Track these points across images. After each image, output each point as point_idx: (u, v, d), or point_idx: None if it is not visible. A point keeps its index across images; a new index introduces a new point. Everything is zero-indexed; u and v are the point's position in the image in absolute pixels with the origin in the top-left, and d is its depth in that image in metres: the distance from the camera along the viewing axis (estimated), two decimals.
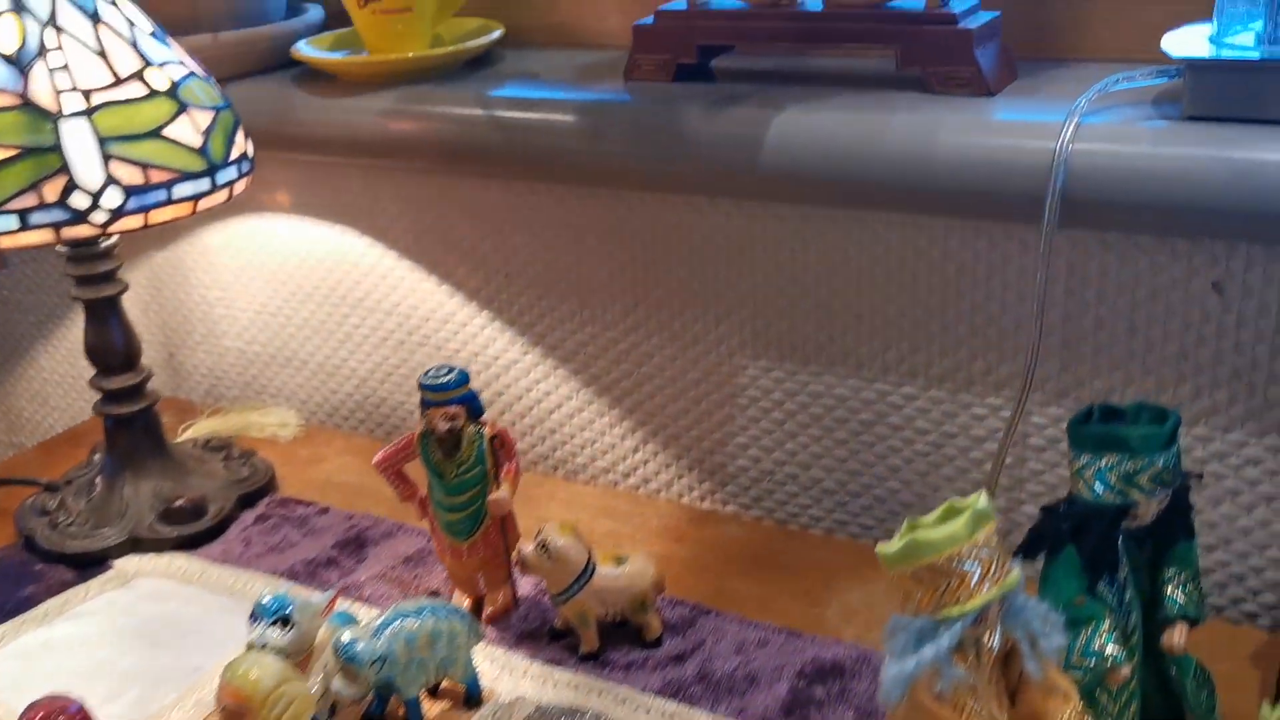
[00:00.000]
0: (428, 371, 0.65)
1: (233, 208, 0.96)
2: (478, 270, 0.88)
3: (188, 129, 0.72)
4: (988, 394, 0.72)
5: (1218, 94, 0.60)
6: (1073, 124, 0.62)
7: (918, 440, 0.76)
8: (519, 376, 0.89)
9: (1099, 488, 0.49)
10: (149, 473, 0.82)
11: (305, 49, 0.88)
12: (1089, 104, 0.63)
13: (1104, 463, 0.49)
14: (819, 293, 0.76)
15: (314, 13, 0.95)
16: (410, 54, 0.85)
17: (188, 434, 0.94)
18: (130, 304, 1.07)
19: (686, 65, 0.78)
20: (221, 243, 0.99)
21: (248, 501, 0.84)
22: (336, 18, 0.93)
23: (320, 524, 0.81)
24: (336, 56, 0.87)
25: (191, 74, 0.74)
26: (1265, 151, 0.58)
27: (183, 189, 0.71)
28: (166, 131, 0.71)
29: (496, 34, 0.89)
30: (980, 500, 0.44)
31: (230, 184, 0.74)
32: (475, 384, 0.92)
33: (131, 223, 0.69)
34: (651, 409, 0.85)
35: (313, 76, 0.88)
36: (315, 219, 0.94)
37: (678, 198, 0.78)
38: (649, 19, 0.79)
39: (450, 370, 0.65)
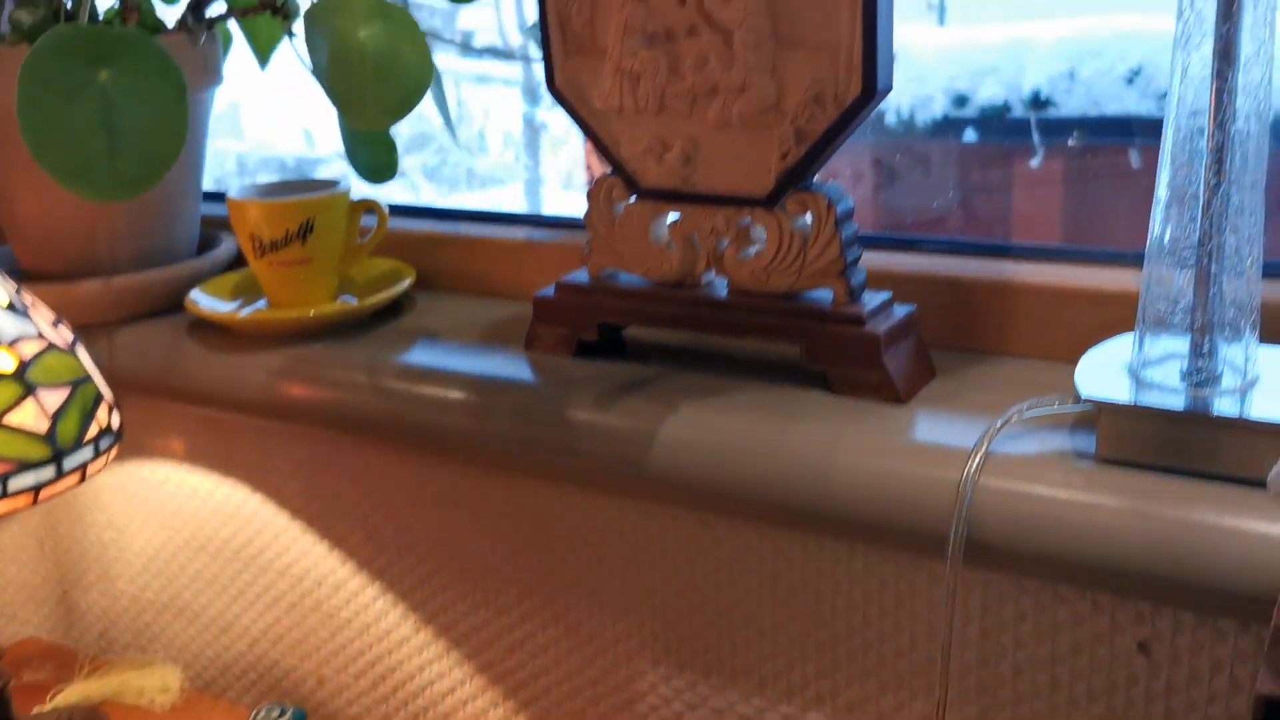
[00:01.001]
0: (257, 712, 0.58)
1: (126, 450, 0.90)
2: (370, 540, 0.82)
3: (33, 414, 0.66)
4: None
5: (1135, 441, 0.54)
6: (980, 455, 0.56)
7: None
8: (411, 655, 0.82)
9: None
10: None
11: (199, 299, 0.83)
12: (1002, 430, 0.57)
13: None
14: (719, 601, 0.69)
15: (226, 247, 0.91)
16: (310, 313, 0.80)
17: (57, 700, 0.88)
18: (25, 537, 1.02)
19: (589, 341, 0.72)
20: (116, 484, 0.93)
21: None
22: None
23: None
24: (227, 310, 0.82)
25: (50, 347, 0.69)
26: (1186, 509, 0.51)
27: (21, 480, 0.65)
28: (7, 419, 0.65)
29: (405, 284, 0.84)
30: None
31: (83, 466, 0.68)
32: (366, 659, 0.85)
33: None
34: (547, 705, 0.77)
35: (209, 323, 0.83)
36: (208, 470, 0.88)
37: (571, 487, 0.72)
38: (550, 290, 0.74)
39: (283, 712, 0.58)
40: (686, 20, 0.64)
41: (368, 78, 0.65)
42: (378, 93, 0.65)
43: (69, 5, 0.78)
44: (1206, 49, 0.50)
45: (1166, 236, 0.53)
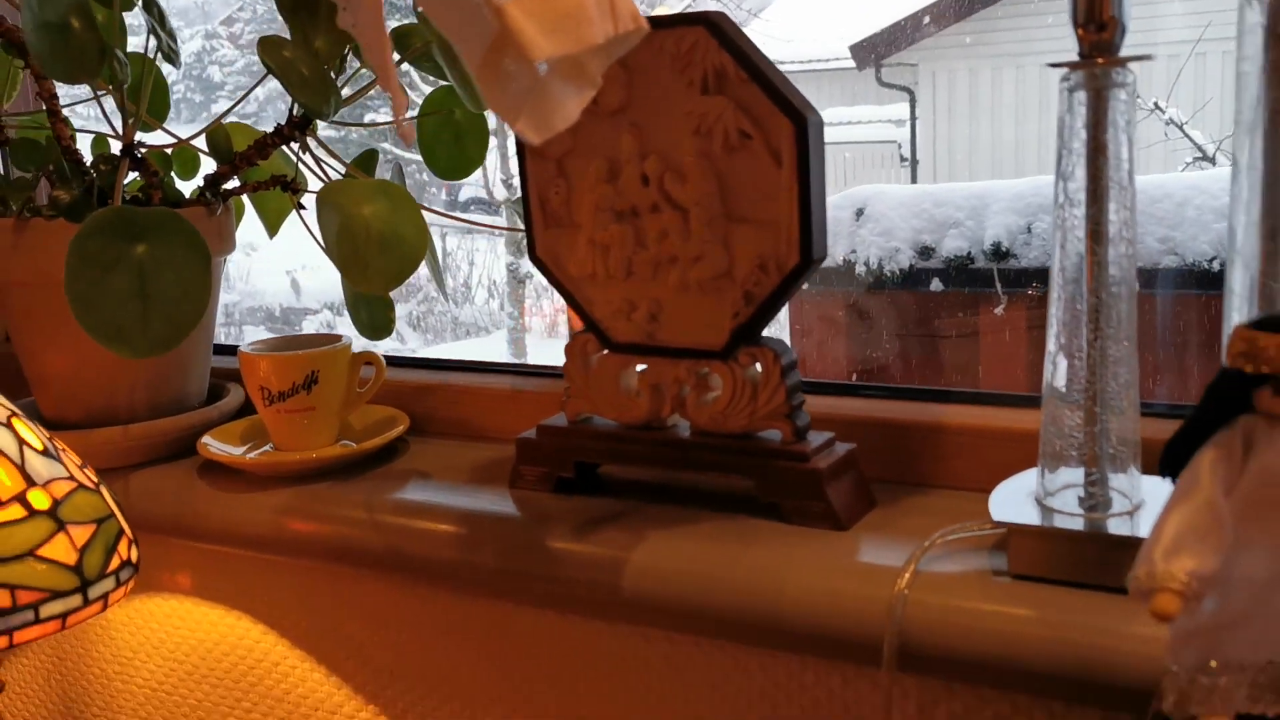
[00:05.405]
0: None
1: (135, 586, 0.97)
2: (365, 665, 0.88)
3: (63, 547, 0.73)
4: None
5: (1041, 559, 0.62)
6: (909, 573, 0.64)
7: None
8: None
9: None
10: None
11: (211, 444, 0.91)
12: (928, 551, 0.65)
13: None
14: (688, 713, 0.75)
15: (234, 396, 0.99)
16: (314, 455, 0.88)
17: None
18: (33, 673, 1.07)
19: (567, 478, 0.81)
20: (123, 619, 0.99)
21: None
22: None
23: None
24: (236, 453, 0.90)
25: (79, 487, 0.77)
26: (1085, 616, 0.59)
27: (51, 608, 0.72)
28: (41, 551, 0.72)
29: (400, 430, 0.92)
30: None
31: (105, 595, 0.75)
32: None
33: None
34: None
35: (218, 466, 0.90)
36: (214, 603, 0.94)
37: (552, 612, 0.79)
38: (531, 432, 0.82)
39: None
40: (649, 199, 0.74)
41: (372, 249, 0.74)
42: (381, 262, 0.74)
43: (101, 186, 0.88)
44: (1080, 229, 0.60)
45: (1058, 384, 0.62)
